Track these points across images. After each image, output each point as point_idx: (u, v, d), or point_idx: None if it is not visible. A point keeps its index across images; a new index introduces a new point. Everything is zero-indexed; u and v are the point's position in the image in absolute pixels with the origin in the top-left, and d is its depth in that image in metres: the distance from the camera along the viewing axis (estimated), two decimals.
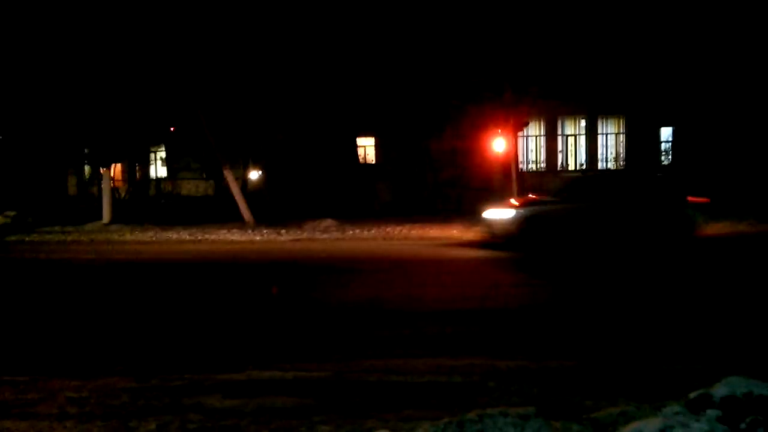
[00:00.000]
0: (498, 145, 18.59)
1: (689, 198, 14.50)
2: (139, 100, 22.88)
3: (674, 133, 26.08)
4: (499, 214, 14.47)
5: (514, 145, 18.48)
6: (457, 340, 6.91)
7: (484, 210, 14.91)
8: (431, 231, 17.33)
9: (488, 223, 14.63)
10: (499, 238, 14.34)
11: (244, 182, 25.60)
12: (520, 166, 26.10)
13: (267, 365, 6.06)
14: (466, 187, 22.73)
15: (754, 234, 15.76)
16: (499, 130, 18.44)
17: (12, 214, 21.70)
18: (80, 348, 7.11)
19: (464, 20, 19.30)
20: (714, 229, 15.34)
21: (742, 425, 3.39)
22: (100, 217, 21.28)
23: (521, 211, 14.34)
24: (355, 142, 28.48)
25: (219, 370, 5.96)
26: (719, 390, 3.85)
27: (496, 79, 18.40)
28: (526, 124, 20.25)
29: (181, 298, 9.89)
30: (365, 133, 29.27)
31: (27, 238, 18.26)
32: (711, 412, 3.47)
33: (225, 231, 18.15)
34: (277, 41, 21.89)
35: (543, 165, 28.88)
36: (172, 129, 29.41)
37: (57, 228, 19.98)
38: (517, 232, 14.10)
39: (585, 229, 14.14)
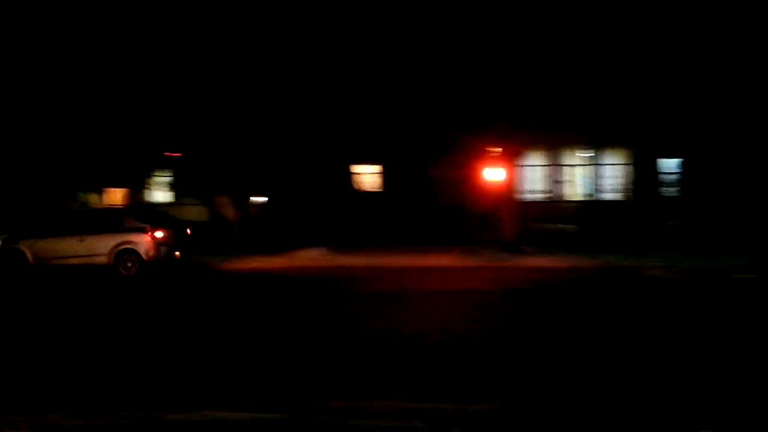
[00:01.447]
0: (495, 173, 18.33)
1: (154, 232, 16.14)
2: (138, 127, 22.86)
3: (682, 164, 25.68)
4: None
5: (510, 174, 18.21)
6: None
7: None
8: (423, 261, 17.03)
9: None
10: None
11: (244, 209, 25.37)
12: (522, 195, 25.81)
13: (222, 404, 5.74)
14: (466, 216, 22.40)
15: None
16: (496, 160, 18.17)
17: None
18: (36, 379, 6.84)
19: (465, 50, 19.19)
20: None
21: None
22: None
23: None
24: (357, 169, 28.30)
25: (173, 409, 5.64)
26: None
27: (493, 109, 18.18)
28: (522, 154, 19.99)
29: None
30: (370, 161, 29.12)
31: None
32: None
33: (217, 258, 17.99)
34: (279, 71, 21.84)
35: (547, 195, 28.57)
36: (176, 155, 29.31)
37: None
38: None
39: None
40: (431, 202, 23.17)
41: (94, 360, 7.82)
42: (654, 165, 26.07)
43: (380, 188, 28.08)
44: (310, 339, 8.81)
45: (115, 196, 31.44)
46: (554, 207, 27.33)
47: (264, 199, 25.98)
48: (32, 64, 21.72)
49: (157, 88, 21.45)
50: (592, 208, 25.11)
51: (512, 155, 18.53)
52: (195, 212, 29.28)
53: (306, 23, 21.42)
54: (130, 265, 15.71)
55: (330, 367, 7.27)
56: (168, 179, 33.39)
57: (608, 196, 27.39)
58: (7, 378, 7.07)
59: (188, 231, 17.45)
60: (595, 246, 18.28)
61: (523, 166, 25.60)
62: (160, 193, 33.98)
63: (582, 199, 27.34)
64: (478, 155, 19.79)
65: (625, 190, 27.11)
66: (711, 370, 6.94)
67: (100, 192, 24.21)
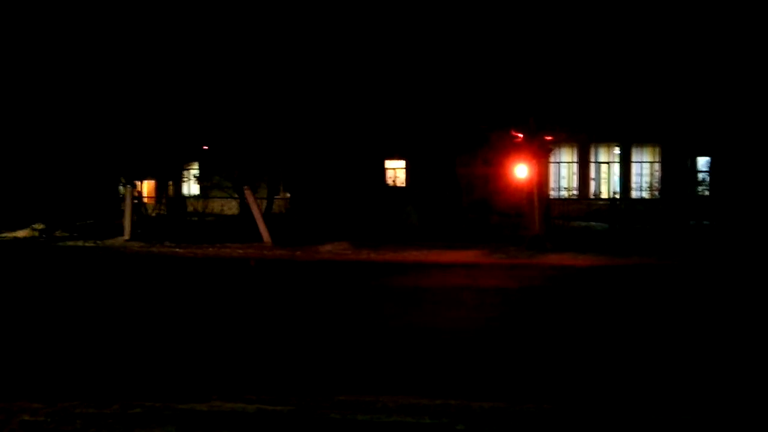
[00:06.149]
0: (522, 171, 18.21)
1: None
2: (167, 119, 23.17)
3: (711, 163, 25.33)
4: None
5: (537, 171, 18.06)
6: None
7: None
8: (443, 256, 16.96)
9: None
10: None
11: (270, 203, 25.54)
12: (552, 192, 25.61)
13: (232, 395, 5.81)
14: (491, 212, 22.35)
15: None
16: (523, 157, 18.06)
17: (40, 227, 21.98)
18: (49, 363, 6.97)
19: (494, 49, 19.16)
20: None
21: None
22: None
23: None
24: (383, 164, 28.32)
25: (182, 399, 5.73)
26: None
27: (521, 106, 18.10)
28: (550, 151, 19.85)
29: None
30: (396, 156, 29.13)
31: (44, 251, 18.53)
32: None
33: (241, 251, 18.13)
34: (309, 66, 22.00)
35: (575, 192, 28.32)
36: (205, 147, 29.58)
37: (79, 242, 20.16)
38: None
39: None
40: (456, 197, 23.14)
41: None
42: (685, 162, 25.73)
43: (404, 184, 28.14)
44: (318, 333, 8.83)
45: (147, 188, 31.89)
46: (583, 204, 27.11)
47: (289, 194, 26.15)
48: (69, 62, 22.22)
49: (188, 80, 21.74)
50: (622, 205, 24.85)
51: (540, 152, 18.40)
52: (225, 205, 29.60)
53: (340, 22, 21.58)
54: None
55: (339, 362, 7.29)
56: (196, 172, 33.78)
57: (638, 194, 27.10)
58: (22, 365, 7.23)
59: None
60: (623, 245, 18.07)
61: (552, 163, 25.41)
62: (189, 186, 34.41)
63: (612, 197, 27.07)
64: (506, 152, 19.70)
65: (655, 189, 26.81)
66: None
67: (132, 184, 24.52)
